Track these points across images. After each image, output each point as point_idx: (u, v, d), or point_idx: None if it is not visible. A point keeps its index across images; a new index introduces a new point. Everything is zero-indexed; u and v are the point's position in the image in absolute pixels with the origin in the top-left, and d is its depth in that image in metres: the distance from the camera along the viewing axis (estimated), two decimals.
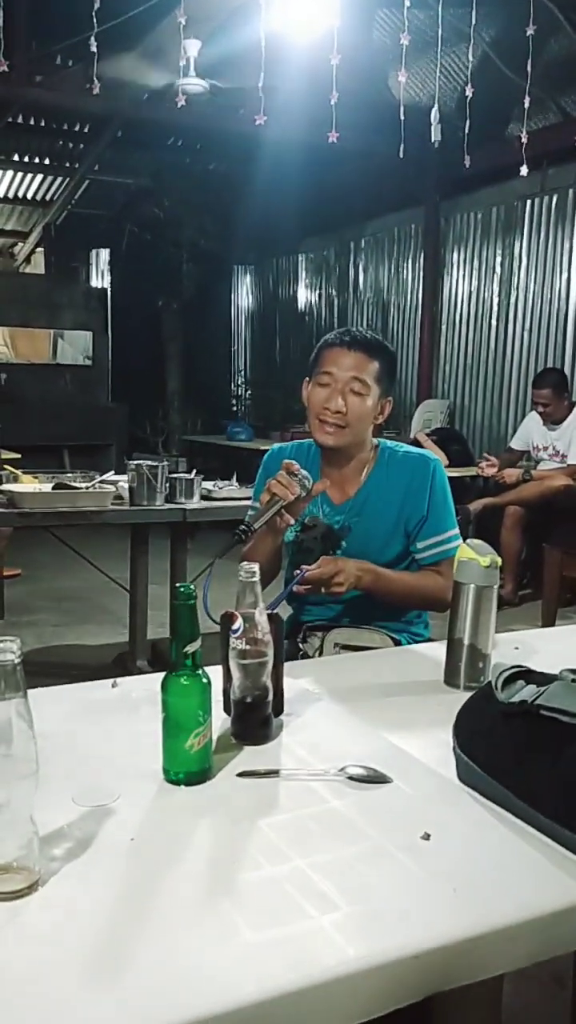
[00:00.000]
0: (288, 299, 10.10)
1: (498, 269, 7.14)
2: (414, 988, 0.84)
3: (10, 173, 9.42)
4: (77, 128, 8.36)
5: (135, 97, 6.42)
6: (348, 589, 1.88)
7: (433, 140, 3.43)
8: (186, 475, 3.83)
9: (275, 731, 1.32)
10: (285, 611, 2.07)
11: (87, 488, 3.73)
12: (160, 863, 0.97)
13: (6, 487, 3.67)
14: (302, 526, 2.11)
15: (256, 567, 1.29)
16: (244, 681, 1.28)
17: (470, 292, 7.45)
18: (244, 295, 11.15)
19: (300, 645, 2.10)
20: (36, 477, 3.98)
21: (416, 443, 6.35)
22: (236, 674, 1.28)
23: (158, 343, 10.32)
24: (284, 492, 1.80)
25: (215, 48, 5.31)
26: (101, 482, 3.85)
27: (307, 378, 2.08)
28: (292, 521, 1.87)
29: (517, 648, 1.83)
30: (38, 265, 11.00)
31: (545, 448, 5.66)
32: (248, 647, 1.27)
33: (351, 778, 1.17)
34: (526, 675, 1.22)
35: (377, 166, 6.79)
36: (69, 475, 4.01)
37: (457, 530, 2.07)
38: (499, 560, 1.58)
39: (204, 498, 3.86)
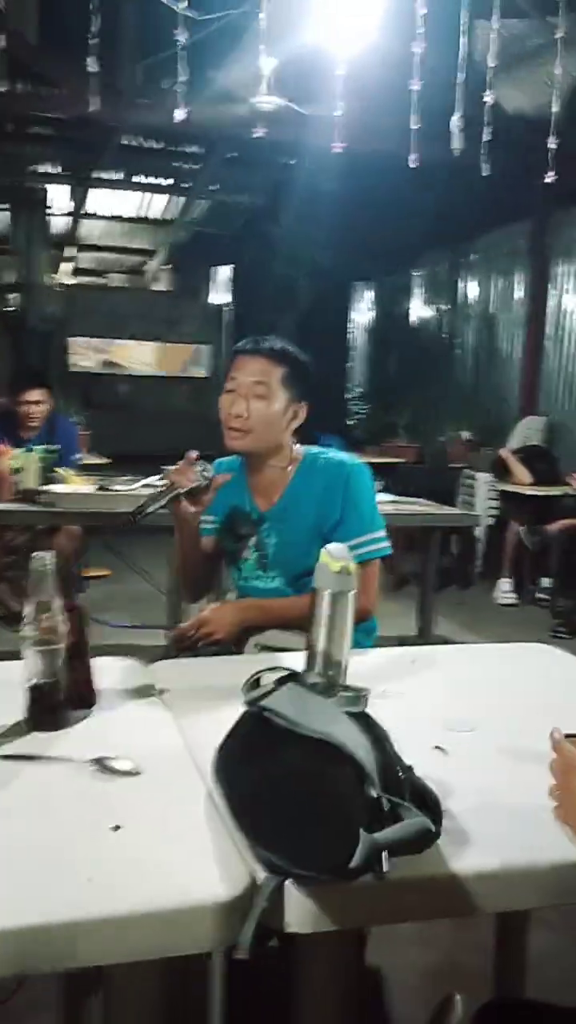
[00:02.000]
0: (402, 314, 10.05)
1: None
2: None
3: (136, 194, 9.84)
4: (191, 149, 8.65)
5: (236, 118, 6.58)
6: (229, 633, 1.90)
7: (453, 148, 3.37)
8: None
9: (72, 721, 1.34)
10: None
11: (125, 491, 3.86)
12: None
13: (50, 488, 3.85)
14: (237, 536, 2.14)
15: (50, 556, 1.33)
16: (35, 668, 1.31)
17: None
18: (362, 310, 11.16)
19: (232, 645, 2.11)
20: (87, 480, 4.16)
21: (501, 461, 6.19)
22: (28, 660, 1.31)
23: None
24: (179, 479, 1.90)
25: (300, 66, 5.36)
26: (144, 486, 3.97)
27: None
28: (192, 509, 1.94)
29: (413, 662, 1.78)
30: (164, 282, 11.44)
31: None
32: (39, 635, 1.30)
33: (104, 768, 1.18)
34: (291, 678, 1.20)
35: (485, 180, 6.68)
36: (116, 479, 4.15)
37: (380, 533, 2.03)
38: (352, 566, 1.53)
39: None
